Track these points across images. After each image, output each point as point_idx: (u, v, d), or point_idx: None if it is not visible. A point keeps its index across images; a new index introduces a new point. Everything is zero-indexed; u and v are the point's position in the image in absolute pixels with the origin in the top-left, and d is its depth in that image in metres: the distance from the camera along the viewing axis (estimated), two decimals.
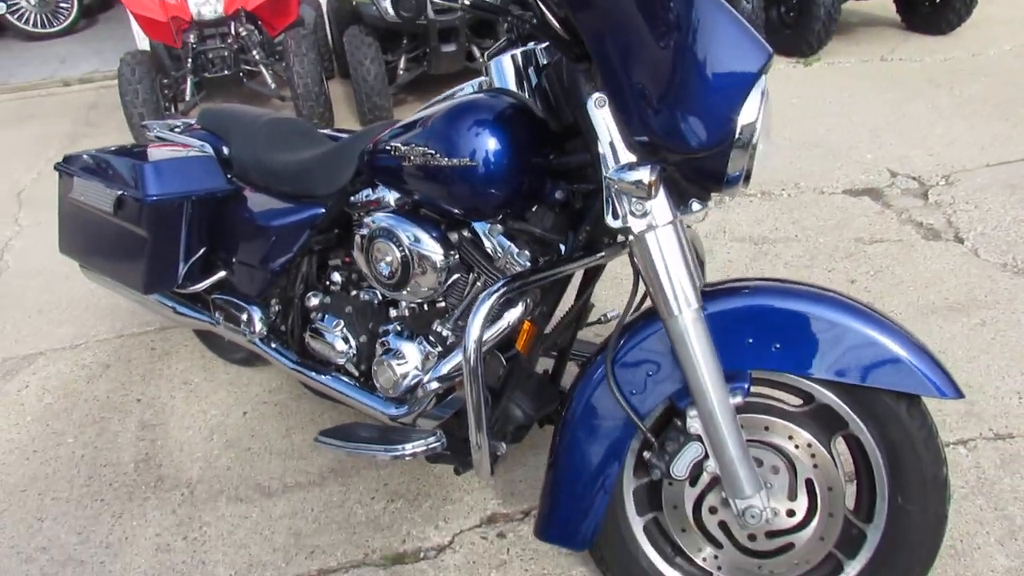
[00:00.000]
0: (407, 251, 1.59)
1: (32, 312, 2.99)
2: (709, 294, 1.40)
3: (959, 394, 1.29)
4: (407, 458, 1.55)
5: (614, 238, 1.54)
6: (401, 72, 4.60)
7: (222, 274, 2.11)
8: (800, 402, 1.40)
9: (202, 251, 2.10)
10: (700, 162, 1.33)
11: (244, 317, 1.99)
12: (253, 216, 2.00)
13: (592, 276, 1.70)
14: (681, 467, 1.36)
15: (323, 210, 1.86)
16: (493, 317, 1.61)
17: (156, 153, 2.15)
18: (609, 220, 1.31)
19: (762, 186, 3.39)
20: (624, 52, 1.22)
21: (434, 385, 1.59)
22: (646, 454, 1.40)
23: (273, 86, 4.58)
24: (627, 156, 1.29)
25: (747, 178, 1.34)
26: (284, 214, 1.94)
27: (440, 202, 1.54)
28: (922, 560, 1.35)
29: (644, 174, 1.23)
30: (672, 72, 1.22)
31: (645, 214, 1.29)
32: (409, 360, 1.68)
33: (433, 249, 1.58)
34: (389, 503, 1.92)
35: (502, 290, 1.36)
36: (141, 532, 1.91)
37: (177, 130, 2.28)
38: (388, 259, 1.63)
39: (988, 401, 2.06)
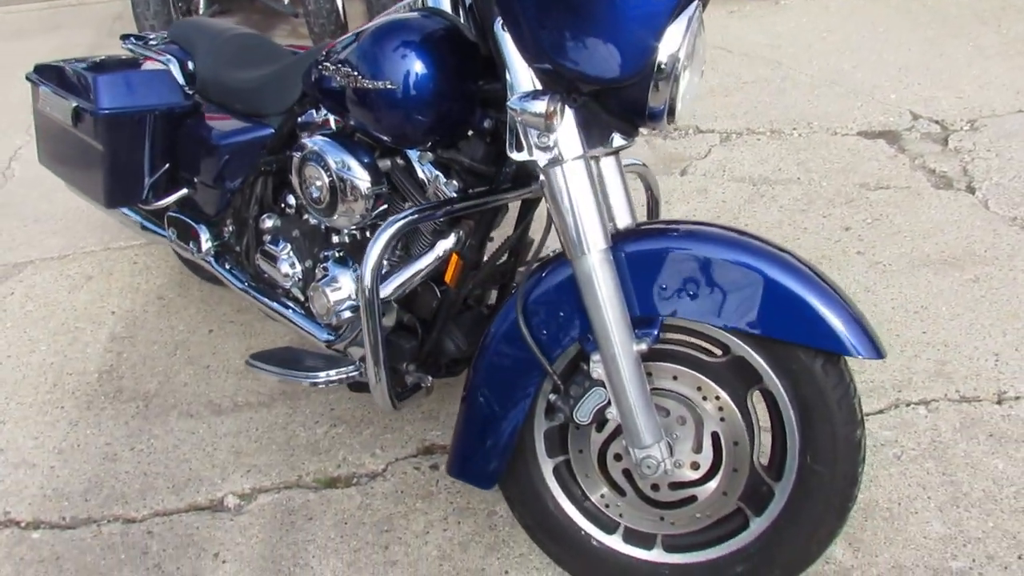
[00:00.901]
0: (335, 176, 1.55)
1: (29, 221, 3.05)
2: (628, 235, 1.33)
3: (878, 355, 1.21)
4: (322, 385, 1.55)
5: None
6: None
7: (184, 192, 2.10)
8: (719, 353, 1.34)
9: (165, 167, 2.08)
10: (618, 94, 1.24)
11: (192, 235, 1.98)
12: (210, 134, 1.97)
13: (527, 210, 1.64)
14: (584, 412, 1.32)
15: (272, 130, 1.83)
16: (424, 249, 1.57)
17: (122, 67, 2.12)
18: (511, 152, 1.24)
19: (772, 124, 3.23)
20: None
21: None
22: (552, 397, 1.36)
23: (286, 1, 4.49)
24: (530, 84, 1.21)
25: (671, 112, 1.26)
26: (237, 133, 1.91)
27: (367, 126, 1.48)
28: (828, 522, 1.29)
29: (542, 105, 1.16)
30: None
31: (549, 147, 1.22)
32: (343, 287, 1.65)
33: (360, 176, 1.53)
34: (331, 428, 1.93)
35: (403, 221, 1.32)
36: (93, 441, 1.96)
37: (152, 43, 2.25)
38: (318, 183, 1.59)
39: (962, 361, 1.96)
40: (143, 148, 2.02)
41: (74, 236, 2.89)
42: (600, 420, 1.33)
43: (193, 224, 1.99)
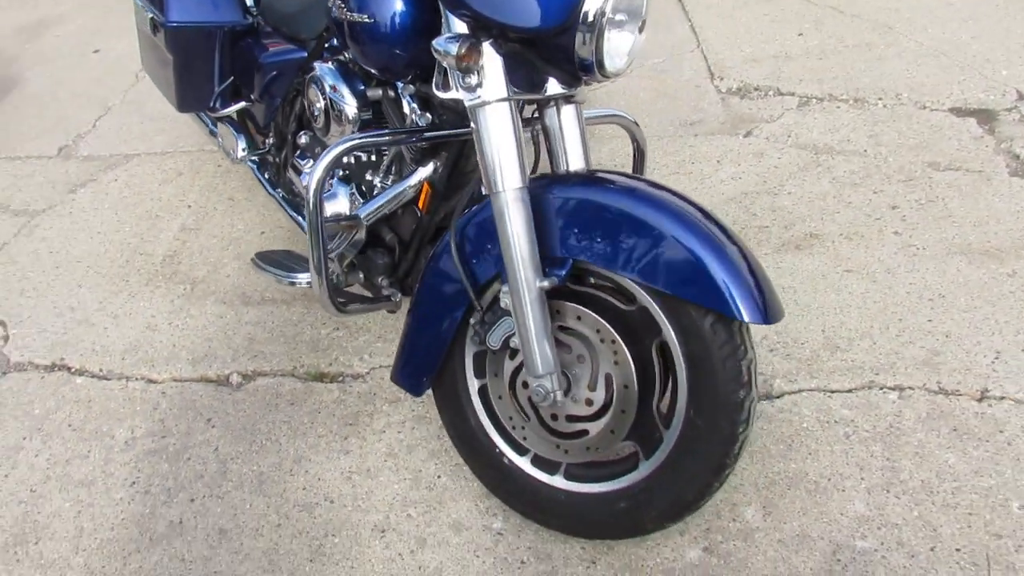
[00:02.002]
0: (328, 99, 1.70)
1: (146, 119, 3.43)
2: (555, 179, 1.40)
3: (763, 319, 1.24)
4: (303, 285, 1.72)
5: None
6: None
7: (243, 104, 2.33)
8: (630, 302, 1.40)
9: (230, 80, 2.31)
10: (545, 43, 1.31)
11: (230, 142, 2.21)
12: (259, 53, 2.17)
13: None
14: (496, 338, 1.43)
15: (306, 54, 2.00)
16: (404, 176, 1.71)
17: None
18: (435, 90, 1.34)
19: (858, 92, 3.07)
20: None
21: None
22: (472, 320, 1.48)
23: None
24: (459, 27, 1.30)
25: (600, 65, 1.31)
26: (280, 54, 2.10)
27: (356, 56, 1.62)
28: (704, 477, 1.35)
29: (456, 47, 1.24)
30: None
31: (471, 88, 1.31)
32: (340, 202, 1.83)
33: (348, 102, 1.68)
34: (334, 331, 2.14)
35: (346, 144, 1.44)
36: (142, 311, 2.28)
37: None
38: (317, 105, 1.75)
39: (956, 354, 1.88)
40: (211, 60, 2.25)
41: (177, 136, 3.24)
42: (510, 348, 1.43)
43: (234, 133, 2.22)
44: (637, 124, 1.82)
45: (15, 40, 4.48)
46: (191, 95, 2.31)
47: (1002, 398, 1.76)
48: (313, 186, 1.43)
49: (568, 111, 1.47)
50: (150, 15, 2.22)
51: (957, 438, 1.68)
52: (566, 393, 1.40)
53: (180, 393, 1.98)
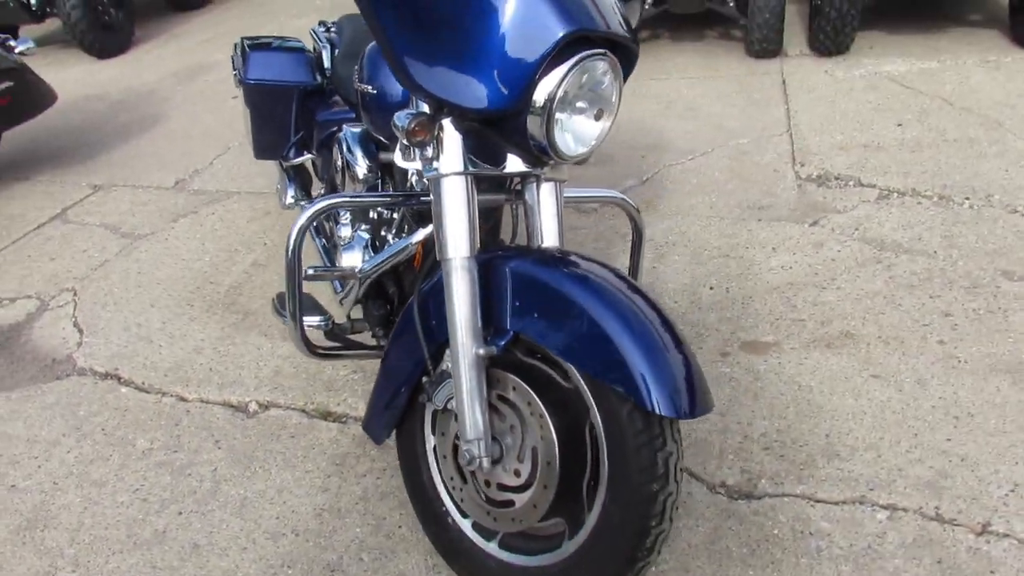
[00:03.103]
0: (344, 159, 1.85)
1: (253, 161, 3.75)
2: (510, 253, 1.45)
3: (675, 413, 1.22)
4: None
5: (503, 182, 1.59)
6: (646, 6, 4.57)
7: (309, 156, 2.55)
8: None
9: (300, 134, 2.54)
10: (500, 124, 1.38)
11: (282, 189, 2.41)
12: (320, 111, 2.38)
13: (487, 215, 1.79)
14: (439, 398, 1.48)
15: (353, 116, 2.17)
16: (408, 233, 1.81)
17: (277, 48, 2.60)
18: (396, 158, 1.44)
19: (945, 189, 2.90)
20: None
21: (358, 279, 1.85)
22: (424, 379, 1.54)
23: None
24: (423, 105, 1.39)
25: (554, 150, 1.36)
26: (333, 114, 2.29)
27: (365, 121, 1.76)
28: (617, 566, 1.32)
29: (407, 122, 1.33)
30: (453, 28, 1.29)
31: (429, 160, 1.39)
32: (354, 255, 1.96)
33: (359, 163, 1.81)
34: (351, 373, 2.25)
35: (322, 203, 1.55)
36: (194, 335, 2.50)
37: (325, 31, 2.72)
38: (337, 164, 1.90)
39: (968, 479, 1.73)
40: (283, 115, 2.49)
41: (273, 179, 3.54)
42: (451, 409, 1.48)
43: (287, 181, 2.42)
44: (638, 209, 1.84)
45: (171, 82, 5.07)
46: (265, 145, 2.55)
47: (1005, 535, 1.60)
48: (293, 236, 1.56)
49: (547, 188, 1.52)
50: (234, 71, 2.48)
51: (940, 571, 1.54)
52: (496, 462, 1.42)
53: (202, 413, 2.15)
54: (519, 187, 1.57)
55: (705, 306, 2.43)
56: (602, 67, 1.36)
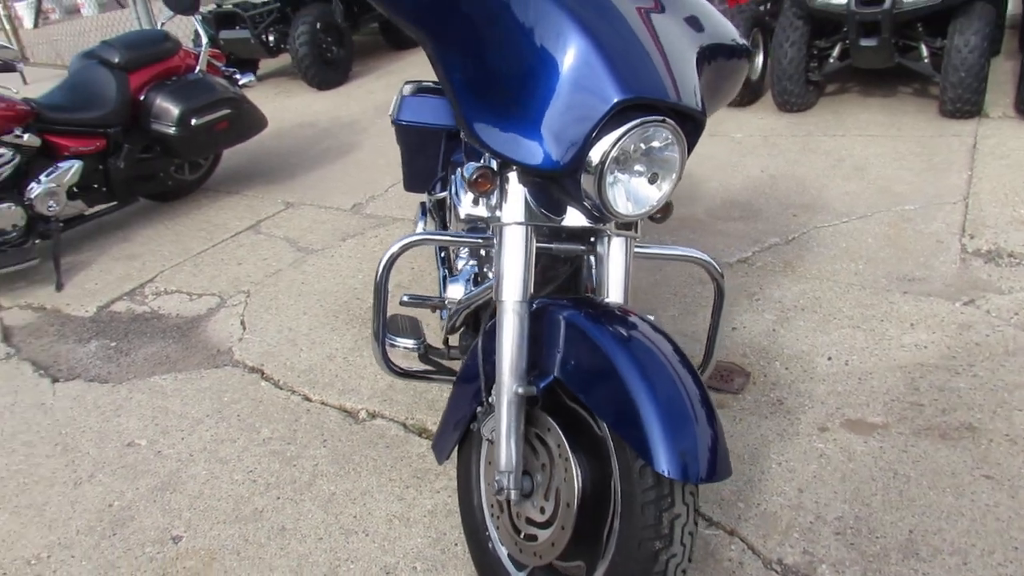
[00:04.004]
0: (452, 199, 2.02)
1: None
2: (564, 303, 1.52)
3: (682, 477, 1.24)
4: (400, 349, 2.01)
5: (582, 235, 1.67)
6: (831, 60, 4.41)
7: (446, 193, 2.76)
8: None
9: (444, 172, 2.77)
10: (560, 181, 1.47)
11: (415, 220, 2.63)
12: (456, 152, 2.58)
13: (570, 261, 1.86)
14: (487, 429, 1.59)
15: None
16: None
17: (430, 92, 2.84)
18: (465, 205, 1.56)
19: None
20: (466, 52, 1.42)
21: (452, 309, 2.02)
22: (479, 409, 1.64)
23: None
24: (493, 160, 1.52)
25: (608, 209, 1.43)
26: (461, 156, 2.48)
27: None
28: None
29: (470, 174, 1.46)
30: (515, 88, 1.40)
31: (493, 208, 1.51)
32: (459, 287, 2.12)
33: (461, 202, 1.97)
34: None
35: (407, 240, 1.70)
36: (332, 343, 2.78)
37: None
38: (447, 203, 2.08)
39: None
40: (429, 153, 2.72)
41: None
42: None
43: (420, 215, 2.64)
44: (721, 273, 1.83)
45: (372, 115, 5.60)
46: (413, 179, 2.81)
47: None
48: (381, 265, 1.74)
49: (616, 243, 1.58)
50: (390, 112, 2.76)
51: None
52: (527, 496, 1.50)
53: (319, 414, 2.41)
54: (594, 239, 1.65)
55: (818, 376, 2.33)
56: (661, 133, 1.41)
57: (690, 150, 1.53)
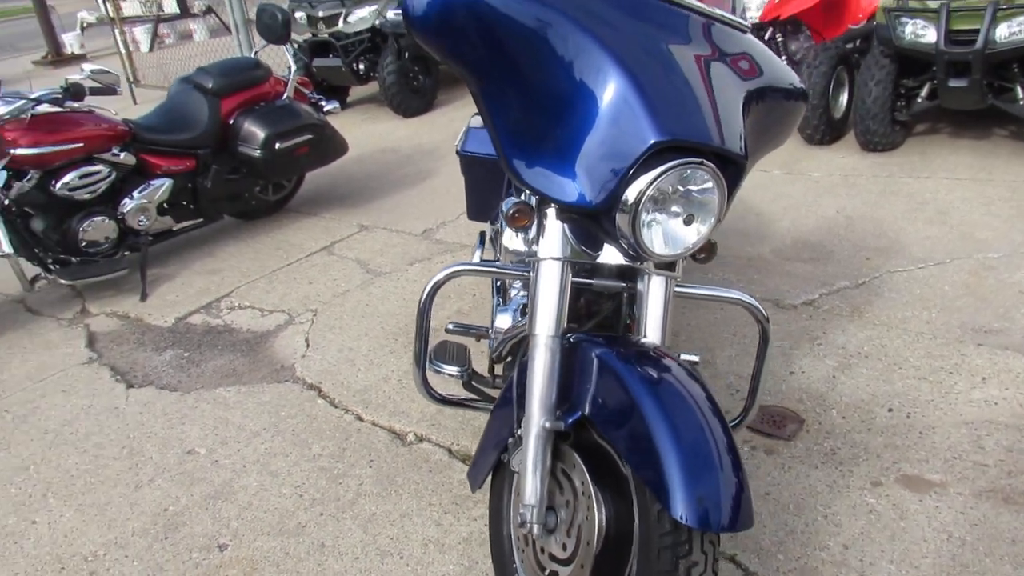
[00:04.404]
0: (498, 229, 2.05)
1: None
2: (599, 341, 1.52)
3: (700, 525, 1.22)
4: (445, 375, 2.05)
5: (623, 272, 1.67)
6: (920, 100, 4.26)
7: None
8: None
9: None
10: (597, 219, 1.48)
11: (475, 248, 2.68)
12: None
13: (613, 297, 1.85)
14: (515, 461, 1.60)
15: None
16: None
17: None
18: (505, 238, 1.58)
19: None
20: (506, 89, 1.45)
21: (498, 339, 2.05)
22: (510, 440, 1.65)
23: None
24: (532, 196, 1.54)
25: (642, 248, 1.43)
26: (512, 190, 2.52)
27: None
28: None
29: (508, 209, 1.49)
30: (555, 126, 1.43)
31: (531, 243, 1.53)
32: (506, 318, 2.15)
33: (506, 234, 2.00)
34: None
35: (448, 270, 1.74)
36: (387, 366, 2.85)
37: None
38: (497, 231, 2.11)
39: None
40: (491, 184, 2.78)
41: None
42: None
43: (477, 244, 2.68)
44: (767, 317, 1.78)
45: (451, 143, 5.73)
46: (475, 208, 2.87)
47: None
48: (424, 293, 1.78)
49: (656, 283, 1.58)
50: (456, 143, 2.83)
51: None
52: (551, 531, 1.50)
53: (369, 434, 2.47)
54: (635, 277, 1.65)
55: (876, 428, 2.24)
56: (699, 175, 1.41)
57: (732, 193, 1.52)
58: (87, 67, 3.29)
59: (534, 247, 1.55)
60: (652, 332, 1.57)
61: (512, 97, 1.48)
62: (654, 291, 1.58)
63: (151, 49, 11.72)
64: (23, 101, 3.19)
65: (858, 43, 4.84)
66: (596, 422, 1.43)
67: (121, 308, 3.53)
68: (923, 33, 3.88)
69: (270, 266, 3.85)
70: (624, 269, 1.64)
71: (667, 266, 1.59)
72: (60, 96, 3.27)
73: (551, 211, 1.52)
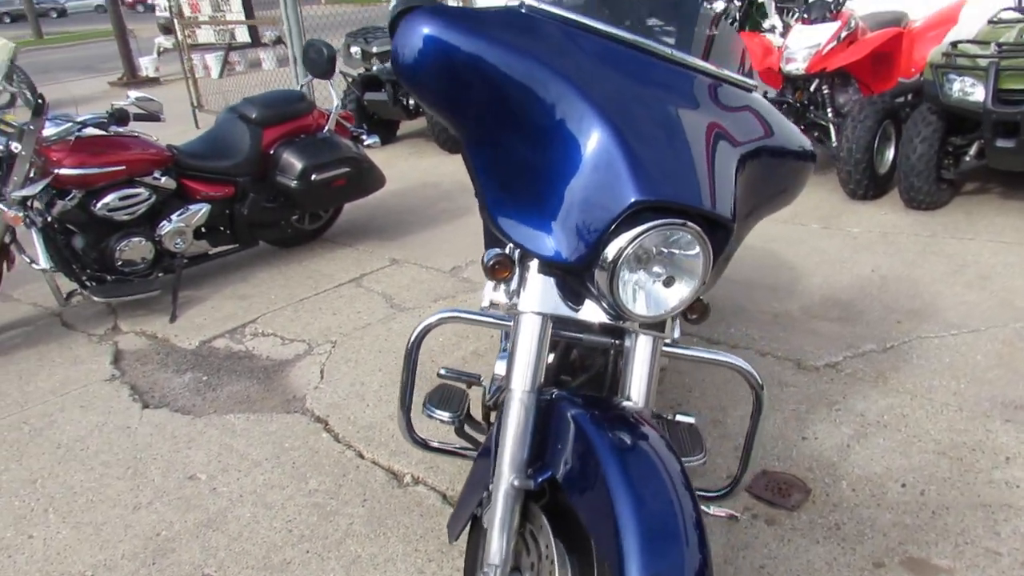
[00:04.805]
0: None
1: None
2: (576, 400, 1.49)
3: None
4: (436, 420, 2.02)
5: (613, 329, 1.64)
6: (968, 158, 4.13)
7: None
8: None
9: None
10: (578, 275, 1.46)
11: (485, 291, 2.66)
12: None
13: (606, 353, 1.81)
14: (486, 518, 1.56)
15: None
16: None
17: None
18: (487, 290, 1.57)
19: None
20: (489, 138, 1.45)
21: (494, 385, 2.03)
22: (485, 495, 1.62)
23: (835, 144, 4.65)
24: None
25: (620, 308, 1.40)
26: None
27: None
28: None
29: (488, 259, 1.48)
30: (537, 181, 1.42)
31: (511, 295, 1.51)
32: (503, 364, 2.13)
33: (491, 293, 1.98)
34: None
35: (435, 317, 1.73)
36: (396, 403, 2.84)
37: None
38: None
39: None
40: None
41: None
42: None
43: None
44: (762, 384, 1.72)
45: None
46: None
47: None
48: (410, 342, 1.77)
49: (641, 342, 1.55)
50: None
51: None
52: None
53: (367, 472, 2.46)
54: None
55: (886, 504, 2.14)
56: (682, 237, 1.38)
57: (719, 256, 1.48)
58: (132, 94, 3.42)
59: (515, 299, 1.53)
60: (636, 393, 1.54)
61: (497, 149, 1.48)
62: (640, 351, 1.55)
63: (220, 75, 12.15)
64: (69, 124, 3.33)
65: (909, 97, 4.73)
66: (563, 485, 1.39)
67: (150, 328, 3.62)
68: (971, 91, 3.77)
69: (298, 294, 3.91)
70: (614, 325, 1.61)
71: (655, 326, 1.56)
72: (105, 121, 3.40)
73: (534, 264, 1.50)
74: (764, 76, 4.99)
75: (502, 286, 1.56)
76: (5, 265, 3.48)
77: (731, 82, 1.69)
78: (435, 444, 1.96)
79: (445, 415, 2.03)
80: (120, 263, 3.62)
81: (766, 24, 7.27)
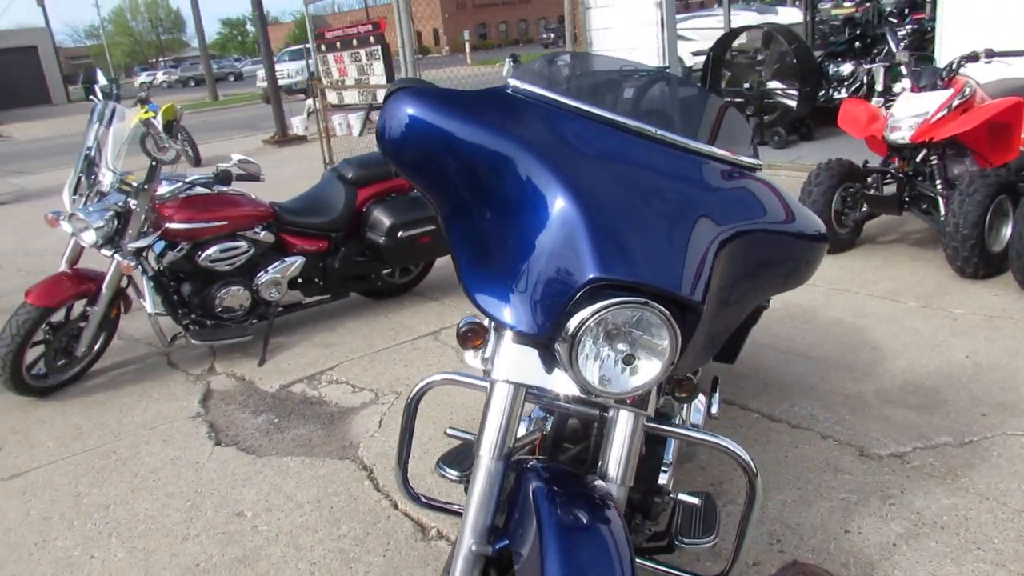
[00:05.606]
0: None
1: None
2: (544, 472, 1.50)
3: None
4: (442, 475, 2.07)
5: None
6: None
7: None
8: None
9: None
10: (546, 347, 1.49)
11: None
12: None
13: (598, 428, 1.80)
14: None
15: None
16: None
17: None
18: (467, 355, 1.61)
19: None
20: (462, 208, 1.52)
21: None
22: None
23: (942, 217, 4.38)
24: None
25: (582, 383, 1.42)
26: None
27: None
28: None
29: (461, 327, 1.53)
30: (506, 247, 1.48)
31: (485, 362, 1.55)
32: (522, 426, 2.16)
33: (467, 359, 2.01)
34: None
35: (433, 378, 1.79)
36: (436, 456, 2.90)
37: None
38: None
39: None
40: None
41: None
42: None
43: None
44: (756, 472, 1.65)
45: None
46: None
47: None
48: (410, 398, 1.84)
49: (622, 418, 1.56)
50: None
51: None
52: None
53: (396, 523, 2.52)
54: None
55: None
56: (645, 317, 1.38)
57: (691, 337, 1.47)
58: (235, 157, 3.76)
59: (489, 367, 1.58)
60: (612, 470, 1.54)
61: (472, 221, 1.55)
62: (619, 427, 1.55)
63: (361, 133, 12.98)
64: (180, 183, 3.71)
65: None
66: (514, 551, 1.40)
67: (240, 370, 3.90)
68: None
69: (378, 345, 4.09)
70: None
71: (637, 402, 1.55)
72: (211, 180, 3.75)
73: (509, 333, 1.54)
74: (869, 143, 4.80)
75: (480, 352, 1.61)
76: (122, 307, 3.87)
77: (728, 162, 1.68)
78: (424, 499, 2.00)
79: (454, 474, 2.08)
80: (220, 309, 3.94)
81: (897, 87, 7.01)
